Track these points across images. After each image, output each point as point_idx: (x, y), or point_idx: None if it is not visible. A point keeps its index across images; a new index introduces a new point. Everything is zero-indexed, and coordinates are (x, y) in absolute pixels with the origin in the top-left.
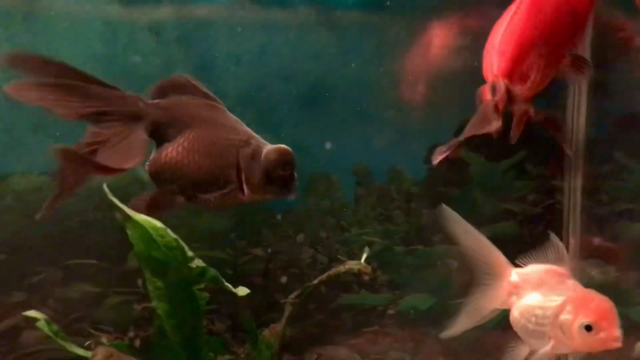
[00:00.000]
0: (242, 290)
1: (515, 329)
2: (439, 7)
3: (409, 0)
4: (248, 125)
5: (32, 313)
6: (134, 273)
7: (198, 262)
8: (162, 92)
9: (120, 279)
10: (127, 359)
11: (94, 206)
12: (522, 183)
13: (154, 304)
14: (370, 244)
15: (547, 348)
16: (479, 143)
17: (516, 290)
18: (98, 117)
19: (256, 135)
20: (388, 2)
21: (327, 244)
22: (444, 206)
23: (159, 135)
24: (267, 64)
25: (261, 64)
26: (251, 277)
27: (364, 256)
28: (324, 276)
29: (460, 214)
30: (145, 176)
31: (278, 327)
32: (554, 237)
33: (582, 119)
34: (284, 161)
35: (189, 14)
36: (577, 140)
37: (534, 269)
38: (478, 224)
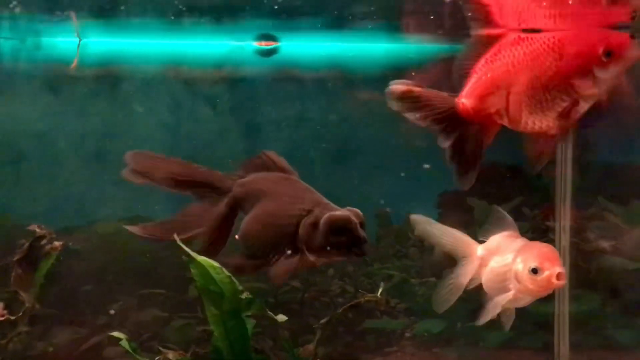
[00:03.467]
0: (281, 317)
1: (488, 293)
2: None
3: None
4: None
5: (116, 334)
6: (194, 301)
7: (246, 295)
8: (247, 168)
9: (183, 306)
10: None
11: (164, 245)
12: (520, 224)
13: (211, 327)
14: (390, 277)
15: (508, 294)
16: (482, 191)
17: (484, 261)
18: (193, 190)
19: (324, 202)
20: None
21: (354, 277)
22: (413, 215)
23: (241, 208)
24: (302, 126)
25: (298, 126)
26: (289, 305)
27: (380, 290)
28: (346, 306)
29: None
30: None
31: (310, 347)
32: (497, 210)
33: (569, 170)
34: (337, 228)
35: (239, 86)
36: (565, 187)
37: (493, 239)
38: None
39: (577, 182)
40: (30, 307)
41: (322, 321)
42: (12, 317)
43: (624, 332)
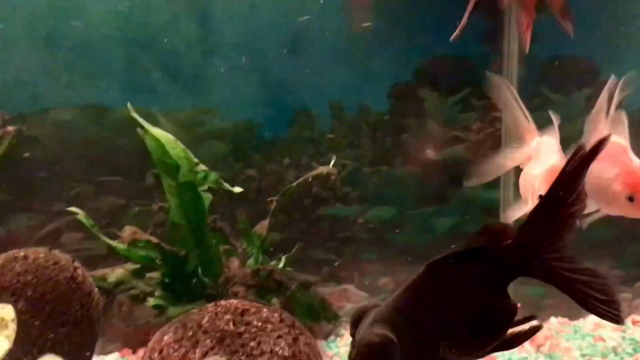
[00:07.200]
0: (237, 189)
1: (522, 185)
2: None
3: None
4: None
5: (73, 209)
6: (151, 188)
7: (202, 167)
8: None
9: (140, 193)
10: (148, 237)
11: (119, 134)
12: (468, 114)
13: (167, 199)
14: (343, 166)
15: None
16: (433, 81)
17: (535, 154)
18: None
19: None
20: None
21: (308, 167)
22: (490, 74)
23: None
24: (256, 17)
25: (252, 17)
26: (246, 193)
27: (332, 162)
28: (300, 179)
29: (417, 140)
30: None
31: (265, 222)
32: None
33: (515, 61)
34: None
35: None
36: (511, 78)
37: (552, 139)
38: (432, 147)
39: (523, 74)
40: None
41: (277, 197)
42: None
43: None
